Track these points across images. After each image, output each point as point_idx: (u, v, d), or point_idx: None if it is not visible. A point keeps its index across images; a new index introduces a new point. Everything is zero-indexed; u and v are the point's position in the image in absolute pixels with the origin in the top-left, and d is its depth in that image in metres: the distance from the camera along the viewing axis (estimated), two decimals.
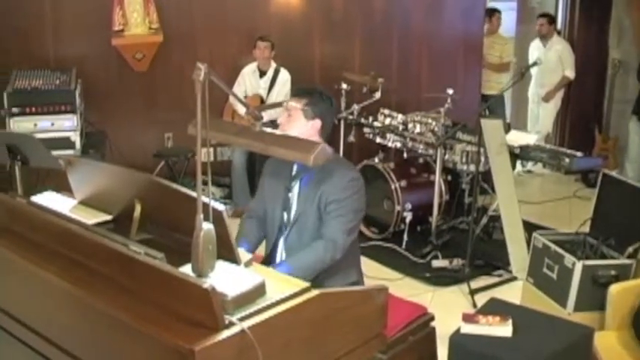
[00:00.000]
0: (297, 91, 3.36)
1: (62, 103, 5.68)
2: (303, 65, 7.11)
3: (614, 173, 4.47)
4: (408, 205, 5.88)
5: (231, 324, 2.04)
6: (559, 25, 8.47)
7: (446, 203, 6.13)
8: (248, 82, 6.69)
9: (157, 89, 6.84)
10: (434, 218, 5.90)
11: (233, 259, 2.34)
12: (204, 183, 2.20)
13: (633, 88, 7.58)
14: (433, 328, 3.27)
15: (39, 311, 2.49)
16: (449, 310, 4.27)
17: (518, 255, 5.28)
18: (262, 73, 6.66)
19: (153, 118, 6.87)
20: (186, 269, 2.20)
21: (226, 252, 2.32)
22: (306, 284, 2.33)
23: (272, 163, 3.43)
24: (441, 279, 5.35)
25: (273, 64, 6.68)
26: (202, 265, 2.15)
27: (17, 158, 4.30)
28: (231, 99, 6.54)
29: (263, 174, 3.48)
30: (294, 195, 3.28)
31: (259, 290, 2.19)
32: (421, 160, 6.26)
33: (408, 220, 5.87)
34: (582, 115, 7.84)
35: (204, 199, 2.18)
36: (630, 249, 3.98)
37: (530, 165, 8.16)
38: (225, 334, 2.02)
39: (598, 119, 8.02)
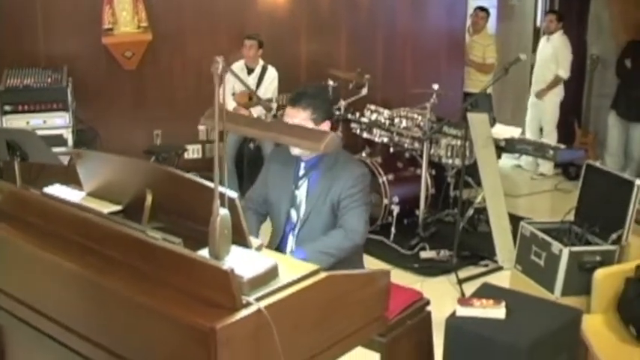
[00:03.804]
0: (296, 100, 3.26)
1: (54, 101, 5.78)
2: (290, 62, 7.23)
3: (598, 164, 4.61)
4: (396, 199, 6.02)
5: (249, 304, 2.13)
6: (538, 22, 8.64)
7: (432, 196, 6.27)
8: (236, 79, 6.77)
9: (146, 87, 6.93)
10: (421, 211, 6.04)
11: (245, 243, 2.45)
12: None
13: (612, 83, 7.76)
14: (429, 313, 3.37)
15: (57, 300, 2.55)
16: (438, 298, 4.37)
17: (504, 246, 5.43)
18: (250, 71, 6.76)
19: (142, 115, 6.95)
20: (202, 254, 2.30)
21: (238, 237, 2.41)
22: (315, 267, 2.44)
23: (278, 155, 3.49)
24: (429, 269, 5.50)
25: (261, 62, 6.77)
26: (219, 248, 2.25)
27: (16, 154, 4.37)
28: (221, 95, 6.63)
29: (268, 164, 3.53)
30: (301, 193, 3.36)
31: (272, 273, 2.29)
32: (407, 155, 6.39)
33: (395, 213, 6.00)
34: (562, 109, 7.99)
35: (219, 187, 2.28)
36: (614, 235, 4.12)
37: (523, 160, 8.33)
38: (243, 313, 2.11)
39: (577, 113, 8.19)
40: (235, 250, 2.34)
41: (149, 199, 2.71)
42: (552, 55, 7.81)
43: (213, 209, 2.23)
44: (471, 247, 5.77)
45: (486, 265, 5.57)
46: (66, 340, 2.50)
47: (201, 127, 7.10)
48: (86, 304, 2.45)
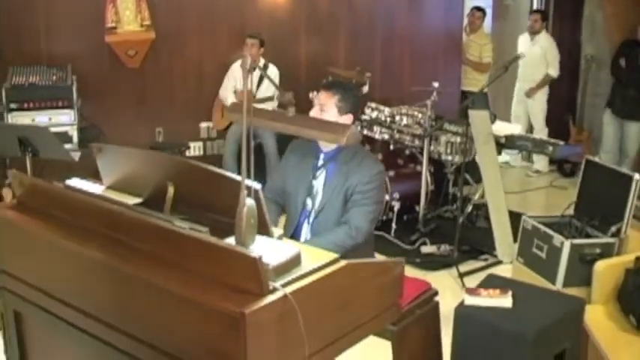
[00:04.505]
0: (329, 86, 3.46)
1: (60, 99, 5.87)
2: (290, 62, 7.32)
3: (597, 159, 4.73)
4: (396, 195, 6.12)
5: (275, 290, 2.21)
6: None
7: (431, 193, 6.38)
8: (238, 77, 6.85)
9: (148, 85, 6.99)
10: (421, 207, 6.14)
11: (267, 232, 2.53)
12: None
13: (605, 83, 7.88)
14: (437, 303, 3.46)
15: (82, 288, 2.60)
16: (440, 291, 4.47)
17: (503, 240, 5.53)
18: (251, 69, 6.82)
19: (144, 113, 7.02)
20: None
21: (261, 227, 2.49)
22: (335, 255, 2.53)
23: (297, 147, 3.59)
24: (431, 264, 5.60)
25: (262, 60, 6.86)
26: (245, 237, 2.33)
27: (28, 150, 4.45)
28: (220, 95, 6.71)
29: (288, 154, 3.64)
30: (319, 183, 3.47)
31: (296, 260, 2.38)
32: (407, 152, 6.49)
33: (396, 209, 6.10)
34: (557, 107, 8.12)
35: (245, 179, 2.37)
36: (613, 228, 4.24)
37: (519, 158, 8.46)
38: (270, 298, 2.18)
39: (572, 111, 8.32)
40: (259, 239, 2.43)
41: (171, 191, 2.76)
42: (541, 55, 7.94)
43: (240, 199, 2.31)
44: (471, 242, 5.88)
45: (486, 260, 5.68)
46: (92, 328, 2.55)
47: (202, 125, 7.18)
48: (112, 292, 2.49)
